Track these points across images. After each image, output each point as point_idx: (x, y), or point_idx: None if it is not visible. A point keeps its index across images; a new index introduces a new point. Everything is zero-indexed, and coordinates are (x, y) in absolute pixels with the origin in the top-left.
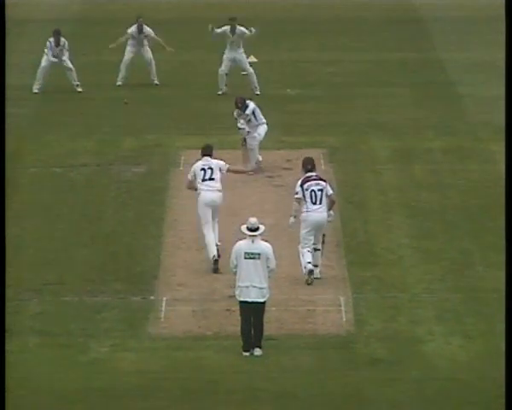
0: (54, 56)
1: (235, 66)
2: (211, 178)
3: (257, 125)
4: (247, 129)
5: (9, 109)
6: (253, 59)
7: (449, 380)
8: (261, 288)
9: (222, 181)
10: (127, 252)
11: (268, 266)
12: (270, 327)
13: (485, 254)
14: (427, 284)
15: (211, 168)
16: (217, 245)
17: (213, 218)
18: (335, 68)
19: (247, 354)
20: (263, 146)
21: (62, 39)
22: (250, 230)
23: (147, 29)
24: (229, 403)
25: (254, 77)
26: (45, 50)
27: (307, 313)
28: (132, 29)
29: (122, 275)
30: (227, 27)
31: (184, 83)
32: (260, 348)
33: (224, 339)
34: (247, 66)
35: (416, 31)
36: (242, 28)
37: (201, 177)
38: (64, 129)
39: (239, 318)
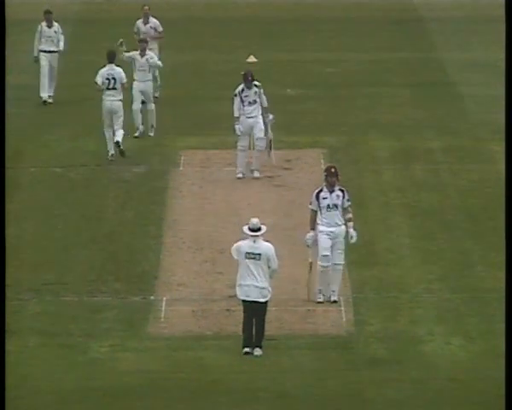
0: (47, 39)
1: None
2: (113, 88)
3: (256, 116)
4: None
5: (9, 109)
6: (252, 59)
7: (449, 380)
8: (262, 288)
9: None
10: (127, 252)
11: (269, 267)
12: (270, 327)
13: (485, 254)
14: (427, 284)
15: (114, 78)
16: (118, 142)
17: (114, 122)
18: (335, 68)
19: (247, 349)
20: None
21: (55, 23)
22: (252, 230)
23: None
24: (229, 403)
25: (154, 115)
26: (35, 42)
27: (307, 313)
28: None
29: (122, 275)
30: (136, 51)
31: (184, 83)
32: (261, 348)
33: (224, 339)
34: (151, 102)
35: (416, 31)
36: (152, 53)
37: (106, 86)
38: (64, 129)
39: (239, 318)
